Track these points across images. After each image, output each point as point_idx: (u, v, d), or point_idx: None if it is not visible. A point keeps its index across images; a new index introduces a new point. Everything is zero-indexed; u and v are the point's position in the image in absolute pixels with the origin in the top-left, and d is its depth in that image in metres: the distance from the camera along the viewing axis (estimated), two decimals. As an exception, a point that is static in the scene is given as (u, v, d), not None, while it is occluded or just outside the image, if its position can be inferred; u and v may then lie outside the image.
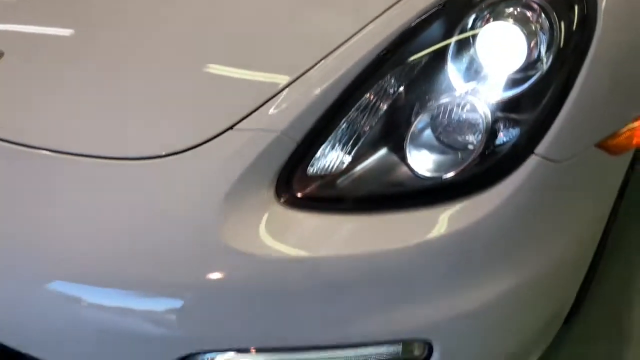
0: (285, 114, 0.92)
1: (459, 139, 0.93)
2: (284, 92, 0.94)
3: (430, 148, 0.93)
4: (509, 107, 0.92)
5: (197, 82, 0.99)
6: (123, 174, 0.92)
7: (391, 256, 0.86)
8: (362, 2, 1.05)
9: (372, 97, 0.95)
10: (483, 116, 0.91)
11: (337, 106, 0.94)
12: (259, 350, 0.89)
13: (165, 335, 0.89)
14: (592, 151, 0.96)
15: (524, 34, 0.93)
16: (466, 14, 0.96)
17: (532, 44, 0.93)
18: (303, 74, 0.96)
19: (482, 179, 0.89)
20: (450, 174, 0.90)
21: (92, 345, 0.92)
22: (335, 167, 0.93)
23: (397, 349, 0.89)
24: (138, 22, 1.13)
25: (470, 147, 0.91)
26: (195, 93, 0.98)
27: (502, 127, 0.92)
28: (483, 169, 0.89)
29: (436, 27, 0.98)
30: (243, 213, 0.88)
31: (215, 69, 1.01)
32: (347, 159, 0.93)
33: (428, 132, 0.94)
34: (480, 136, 0.91)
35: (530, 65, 0.93)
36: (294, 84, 0.95)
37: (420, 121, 0.94)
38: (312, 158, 0.92)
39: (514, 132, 0.90)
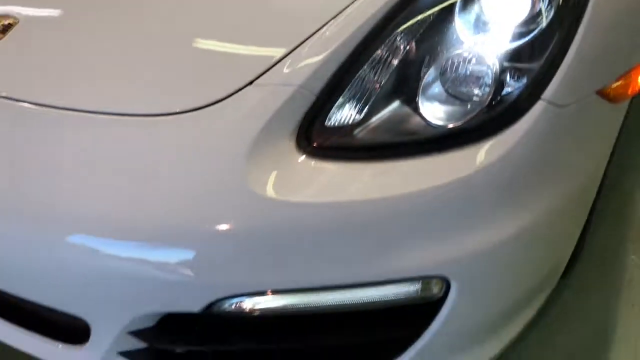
0: (303, 69, 0.97)
1: (469, 89, 0.98)
2: (300, 49, 0.99)
3: (441, 99, 0.98)
4: (515, 58, 0.97)
5: (217, 43, 1.04)
6: (149, 130, 0.96)
7: (408, 199, 0.90)
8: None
9: (383, 52, 1.00)
10: (491, 67, 0.96)
11: (350, 62, 0.98)
12: (285, 292, 0.94)
13: (194, 282, 0.93)
14: (593, 98, 1.01)
15: None
16: None
17: None
18: (317, 31, 1.00)
19: (492, 125, 0.94)
20: (461, 122, 0.95)
21: (121, 295, 0.97)
22: (352, 119, 0.97)
23: (416, 287, 0.94)
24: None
25: (480, 96, 0.96)
26: (215, 53, 1.02)
27: (509, 76, 0.97)
28: (493, 115, 0.94)
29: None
30: (267, 163, 0.92)
31: (234, 30, 1.05)
32: (363, 111, 0.97)
33: (438, 84, 0.99)
34: (488, 86, 0.96)
35: (533, 17, 0.98)
36: (308, 41, 1.00)
37: (431, 74, 0.99)
38: (329, 111, 0.97)
39: (521, 80, 0.95)
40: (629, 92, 1.10)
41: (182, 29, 1.07)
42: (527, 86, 0.95)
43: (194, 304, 0.94)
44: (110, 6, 1.14)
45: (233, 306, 0.95)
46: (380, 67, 0.99)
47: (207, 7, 1.09)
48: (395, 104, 0.98)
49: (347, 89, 0.98)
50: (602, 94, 1.03)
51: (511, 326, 1.11)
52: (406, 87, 0.99)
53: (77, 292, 1.00)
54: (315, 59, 0.97)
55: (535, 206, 0.96)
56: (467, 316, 0.99)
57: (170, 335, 1.02)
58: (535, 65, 0.95)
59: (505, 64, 0.96)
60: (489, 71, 0.96)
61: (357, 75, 0.98)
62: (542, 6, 0.99)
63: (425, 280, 0.94)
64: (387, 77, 0.98)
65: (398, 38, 1.00)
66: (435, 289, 0.95)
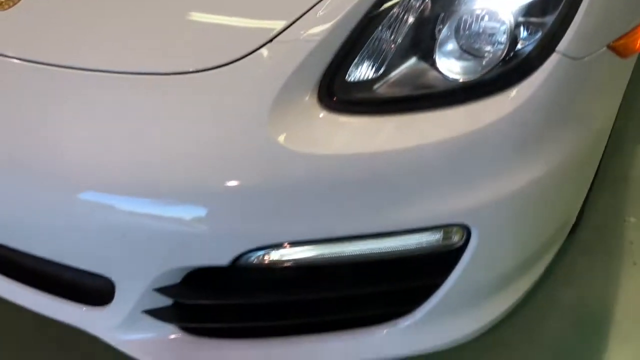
0: (322, 26, 0.98)
1: (483, 45, 1.00)
2: (319, 7, 1.00)
3: (457, 55, 1.00)
4: (528, 12, 0.99)
5: (237, 1, 1.05)
6: (173, 89, 0.98)
7: (429, 149, 0.93)
8: None
9: (400, 9, 1.02)
10: (505, 22, 0.99)
11: (368, 19, 1.00)
12: (309, 242, 0.96)
13: (222, 235, 0.95)
14: (605, 52, 1.04)
15: None
16: None
17: None
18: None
19: (508, 78, 0.96)
20: (478, 76, 0.97)
21: (149, 251, 0.99)
22: (371, 74, 0.99)
23: (437, 236, 0.97)
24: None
25: (495, 51, 0.98)
26: (236, 11, 1.03)
27: (523, 30, 0.99)
28: (508, 68, 0.97)
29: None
30: (290, 118, 0.94)
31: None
32: (381, 67, 0.99)
33: (453, 41, 1.01)
34: (503, 41, 0.98)
35: None
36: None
37: (446, 31, 1.01)
38: (349, 67, 0.99)
39: (535, 34, 0.98)
40: (637, 47, 1.13)
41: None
42: (541, 39, 0.97)
43: (222, 258, 0.97)
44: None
45: (260, 258, 0.97)
46: (397, 25, 1.01)
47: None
48: (412, 60, 1.01)
49: (365, 46, 1.00)
50: (613, 47, 1.05)
51: (526, 277, 1.14)
52: (422, 44, 1.01)
53: (102, 250, 1.02)
54: (334, 16, 0.99)
55: (551, 156, 0.99)
56: (487, 265, 1.02)
57: (196, 291, 1.04)
58: (549, 19, 0.98)
59: (520, 18, 0.99)
60: (503, 26, 0.99)
61: (374, 32, 1.00)
62: None
63: (447, 228, 0.96)
64: (403, 34, 1.01)
65: None
66: (456, 238, 0.98)
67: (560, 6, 0.98)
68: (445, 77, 0.98)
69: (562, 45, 0.97)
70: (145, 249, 0.99)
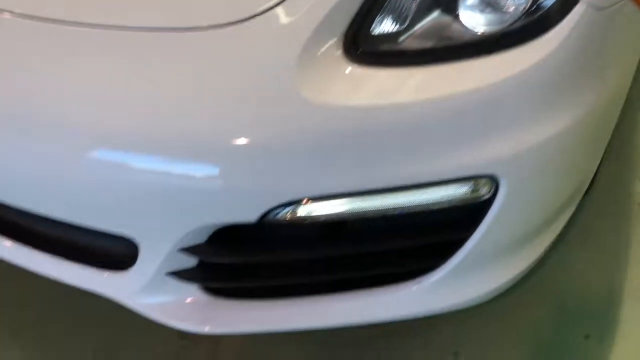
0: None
1: None
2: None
3: (481, 7, 0.99)
4: None
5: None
6: (195, 42, 0.96)
7: (456, 99, 0.93)
8: None
9: None
10: None
11: None
12: (337, 196, 0.96)
13: (250, 190, 0.95)
14: (627, 3, 1.04)
15: None
16: None
17: None
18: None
19: (534, 29, 0.96)
20: (502, 27, 0.97)
21: (176, 209, 0.98)
22: (395, 27, 0.99)
23: (465, 188, 0.97)
24: None
25: (519, 1, 0.98)
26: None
27: None
28: (533, 19, 0.96)
29: None
30: (316, 71, 0.94)
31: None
32: (406, 20, 0.99)
33: None
34: None
35: None
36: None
37: None
38: (373, 20, 0.98)
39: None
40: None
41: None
42: None
43: (250, 214, 0.96)
44: None
45: (287, 214, 0.97)
46: None
47: None
48: (436, 13, 1.00)
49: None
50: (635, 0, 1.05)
51: (548, 233, 1.14)
52: None
53: (127, 210, 1.01)
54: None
55: (576, 108, 0.98)
56: (514, 218, 1.02)
57: (223, 249, 1.04)
58: None
59: None
60: None
61: None
62: None
63: (475, 180, 0.96)
64: None
65: None
66: (484, 190, 0.97)
67: (584, -44, 0.98)
68: (468, 30, 0.98)
69: (586, -5, 0.97)
70: (171, 208, 0.98)
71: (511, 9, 0.98)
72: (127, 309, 1.41)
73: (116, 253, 1.16)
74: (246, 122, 0.92)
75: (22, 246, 1.22)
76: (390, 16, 0.99)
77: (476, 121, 0.93)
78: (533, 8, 0.97)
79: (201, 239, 1.03)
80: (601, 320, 1.38)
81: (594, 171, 1.25)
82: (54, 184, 1.02)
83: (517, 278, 1.15)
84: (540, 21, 0.96)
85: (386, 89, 0.94)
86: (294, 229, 1.05)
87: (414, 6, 0.99)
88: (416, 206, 0.97)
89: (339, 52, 0.95)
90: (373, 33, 0.98)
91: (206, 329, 1.14)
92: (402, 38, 0.98)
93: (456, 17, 0.99)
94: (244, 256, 1.06)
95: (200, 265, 1.08)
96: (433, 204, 0.97)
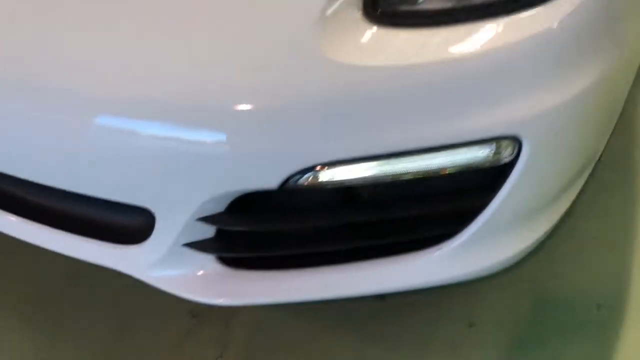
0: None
1: None
2: None
3: None
4: None
5: None
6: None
7: (480, 58, 0.91)
8: None
9: None
10: None
11: None
12: (357, 160, 0.95)
13: (272, 154, 0.93)
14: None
15: None
16: None
17: None
18: None
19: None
20: None
21: (196, 176, 0.97)
22: None
23: (488, 150, 0.96)
24: None
25: None
26: None
27: None
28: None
29: None
30: (336, 32, 0.92)
31: None
32: None
33: None
34: None
35: None
36: None
37: None
38: None
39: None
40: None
41: None
42: None
43: (271, 180, 0.95)
44: None
45: (309, 180, 0.95)
46: None
47: None
48: None
49: None
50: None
51: (565, 197, 1.14)
52: None
53: (144, 179, 0.99)
54: None
55: (597, 67, 0.98)
56: (535, 181, 1.01)
57: (242, 218, 1.03)
58: None
59: None
60: None
61: None
62: None
63: (497, 141, 0.96)
64: None
65: None
66: (507, 152, 0.96)
67: None
68: None
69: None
70: (191, 175, 0.96)
71: None
72: (136, 288, 1.41)
73: (128, 227, 1.15)
74: (266, 83, 0.91)
75: (33, 223, 1.20)
76: None
77: (498, 81, 0.92)
78: None
79: (220, 207, 1.01)
80: (611, 291, 1.39)
81: (608, 137, 1.25)
82: (68, 155, 1.00)
83: (536, 244, 1.14)
84: None
85: (406, 50, 0.92)
86: (313, 196, 1.04)
87: None
88: (439, 169, 0.96)
89: (358, 13, 0.94)
90: None
91: (222, 301, 1.13)
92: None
93: None
94: (264, 224, 1.04)
95: (218, 235, 1.07)
96: (455, 167, 0.96)
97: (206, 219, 1.02)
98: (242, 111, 0.91)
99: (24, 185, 1.19)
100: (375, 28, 0.94)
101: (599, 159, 1.44)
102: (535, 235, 1.13)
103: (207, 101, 0.92)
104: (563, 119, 0.97)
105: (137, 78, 0.94)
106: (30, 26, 1.00)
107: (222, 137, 0.92)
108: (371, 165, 0.96)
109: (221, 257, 1.12)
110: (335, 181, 0.97)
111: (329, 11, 0.92)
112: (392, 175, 0.97)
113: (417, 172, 0.97)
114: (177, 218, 1.03)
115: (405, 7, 0.96)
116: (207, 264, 1.11)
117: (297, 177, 0.95)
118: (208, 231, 1.07)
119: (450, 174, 0.98)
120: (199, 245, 1.07)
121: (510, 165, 0.98)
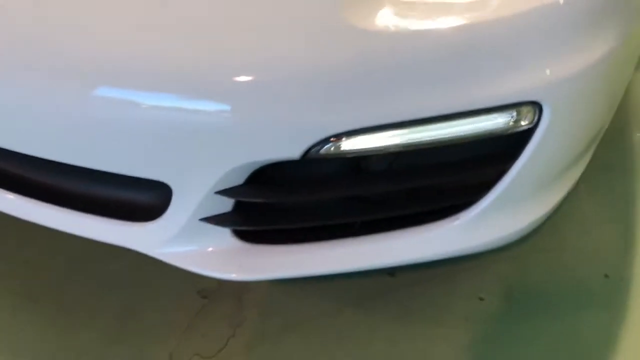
0: None
1: None
2: None
3: None
4: None
5: None
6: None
7: (501, 24, 0.92)
8: None
9: None
10: None
11: None
12: (380, 128, 0.94)
13: (295, 123, 0.93)
14: None
15: None
16: None
17: None
18: None
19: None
20: None
21: (217, 147, 0.95)
22: None
23: (508, 117, 0.96)
24: None
25: None
26: None
27: None
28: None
29: None
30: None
31: None
32: None
33: None
34: None
35: None
36: None
37: None
38: None
39: None
40: None
41: None
42: None
43: (294, 150, 0.94)
44: None
45: (331, 149, 0.95)
46: None
47: None
48: None
49: None
50: None
51: (577, 167, 1.16)
52: None
53: (163, 151, 0.98)
54: None
55: (614, 35, 0.98)
56: (554, 148, 1.02)
57: (262, 189, 1.02)
58: None
59: None
60: None
61: None
62: None
63: (518, 108, 0.96)
64: None
65: None
66: (527, 120, 0.97)
67: None
68: None
69: None
70: (212, 146, 0.95)
71: None
72: (141, 271, 1.41)
73: (140, 204, 1.14)
74: (289, 50, 0.90)
75: (41, 203, 1.18)
76: None
77: (519, 47, 0.93)
78: None
79: (239, 180, 1.01)
80: (618, 261, 1.41)
81: (614, 113, 1.26)
82: (89, 130, 0.98)
83: (549, 214, 1.16)
84: None
85: (427, 17, 0.92)
86: (331, 167, 1.04)
87: None
88: (460, 137, 0.96)
89: None
90: None
91: (235, 276, 1.12)
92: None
93: None
94: (283, 195, 1.04)
95: (236, 208, 1.06)
96: (477, 134, 0.96)
97: (225, 192, 1.01)
98: (265, 80, 0.90)
99: (33, 165, 1.17)
100: None
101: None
102: (549, 205, 1.15)
103: (228, 71, 0.91)
104: (583, 85, 0.97)
105: (154, 47, 0.93)
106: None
107: (244, 106, 0.91)
108: (392, 133, 0.96)
109: (236, 231, 1.11)
110: (356, 150, 0.96)
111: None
112: (414, 143, 0.96)
113: (438, 141, 0.97)
114: (195, 192, 1.02)
115: None
116: (222, 239, 1.10)
117: (319, 146, 0.95)
118: (225, 205, 1.06)
119: (470, 142, 0.98)
120: (216, 220, 1.06)
121: (530, 132, 0.99)
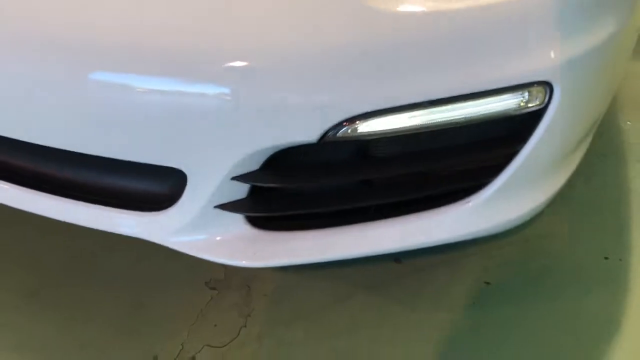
0: None
1: None
2: None
3: None
4: None
5: None
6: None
7: (513, 4, 0.93)
8: None
9: None
10: None
11: None
12: (393, 110, 0.96)
13: (308, 107, 0.93)
14: None
15: None
16: None
17: None
18: None
19: None
20: None
21: (233, 131, 0.96)
22: None
23: (519, 98, 0.98)
24: None
25: None
26: None
27: None
28: None
29: None
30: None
31: None
32: None
33: None
34: None
35: None
36: None
37: None
38: None
39: None
40: None
41: None
42: None
43: (311, 133, 0.95)
44: None
45: (347, 132, 0.96)
46: None
47: None
48: None
49: None
50: None
51: (580, 150, 1.18)
52: None
53: (179, 137, 0.98)
54: None
55: (620, 16, 1.02)
56: (565, 129, 1.04)
57: (278, 174, 1.02)
58: None
59: None
60: None
61: None
62: None
63: (529, 88, 0.98)
64: None
65: None
66: (538, 100, 0.99)
67: None
68: None
69: None
70: (230, 131, 0.95)
71: None
72: (150, 262, 1.40)
73: (151, 194, 1.14)
74: (309, 31, 0.91)
75: (49, 195, 1.17)
76: None
77: (530, 27, 0.94)
78: None
79: (255, 166, 1.01)
80: (617, 243, 1.44)
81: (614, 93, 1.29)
82: (99, 116, 0.98)
83: (554, 197, 1.18)
84: None
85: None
86: (345, 152, 1.05)
87: None
88: (472, 119, 0.98)
89: None
90: None
91: (245, 263, 1.13)
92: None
93: None
94: (300, 180, 1.04)
95: (251, 195, 1.06)
96: (488, 115, 0.98)
97: (242, 177, 1.02)
98: (284, 62, 0.91)
99: (40, 157, 1.17)
100: None
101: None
102: (555, 187, 1.17)
103: (246, 54, 0.92)
104: (592, 64, 1.00)
105: (169, 30, 0.93)
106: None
107: (263, 89, 0.92)
108: (407, 115, 0.97)
109: (249, 218, 1.12)
110: (372, 132, 0.98)
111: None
112: (427, 125, 0.98)
113: (451, 122, 0.98)
114: (211, 178, 1.03)
115: None
116: (236, 227, 1.11)
117: (335, 130, 0.96)
118: (239, 192, 1.07)
119: (482, 124, 1.00)
120: (231, 206, 1.07)
121: (540, 113, 1.01)
